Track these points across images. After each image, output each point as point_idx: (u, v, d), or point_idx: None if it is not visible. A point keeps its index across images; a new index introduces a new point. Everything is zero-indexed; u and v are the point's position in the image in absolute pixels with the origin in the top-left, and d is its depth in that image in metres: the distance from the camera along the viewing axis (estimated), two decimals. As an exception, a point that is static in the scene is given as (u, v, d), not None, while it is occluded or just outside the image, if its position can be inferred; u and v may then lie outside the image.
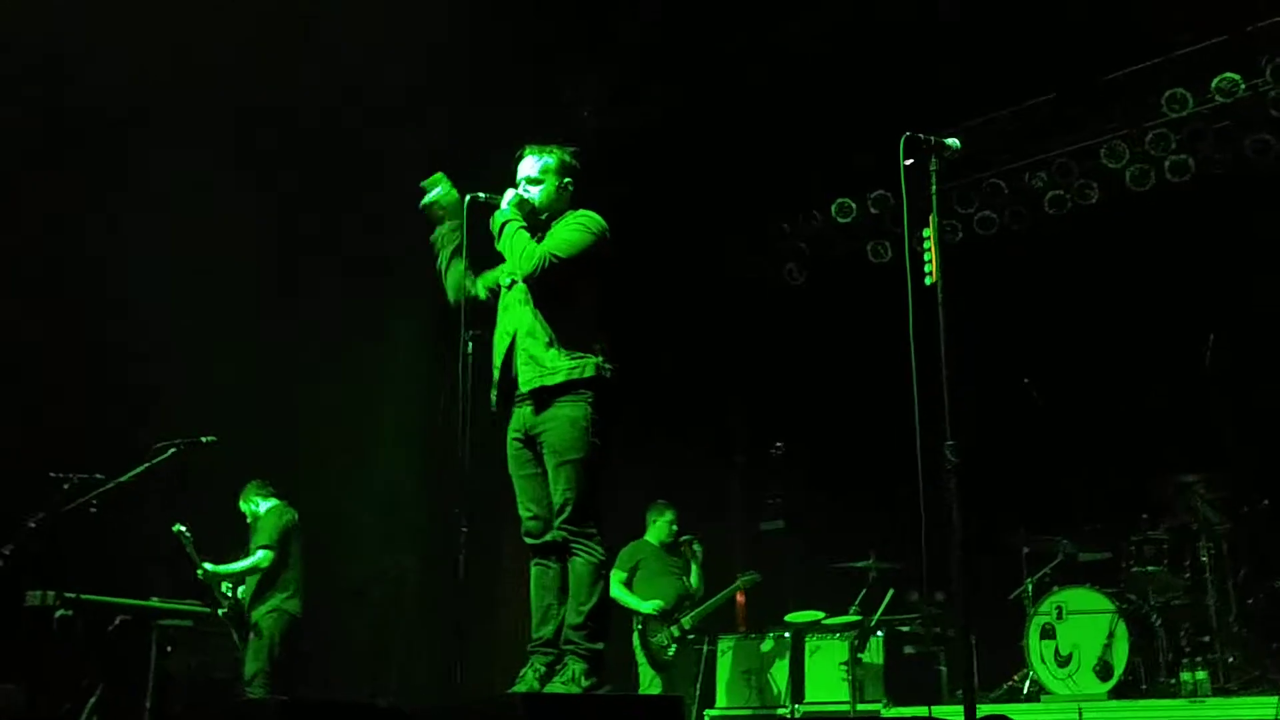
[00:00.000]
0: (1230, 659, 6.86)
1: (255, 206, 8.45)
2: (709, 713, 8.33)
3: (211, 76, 8.02)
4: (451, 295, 4.95)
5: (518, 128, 8.34)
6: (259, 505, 7.67)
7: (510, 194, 4.78)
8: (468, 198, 4.77)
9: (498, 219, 4.74)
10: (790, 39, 8.44)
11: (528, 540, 4.76)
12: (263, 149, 8.52)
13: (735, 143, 9.11)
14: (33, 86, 7.69)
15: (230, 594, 7.41)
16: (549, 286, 4.61)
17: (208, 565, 7.23)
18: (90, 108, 7.84)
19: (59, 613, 6.76)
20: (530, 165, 4.83)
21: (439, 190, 4.86)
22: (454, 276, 4.92)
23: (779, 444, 9.68)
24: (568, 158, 4.86)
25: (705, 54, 8.69)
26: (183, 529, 7.08)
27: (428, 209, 4.90)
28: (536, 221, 4.77)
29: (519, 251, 4.61)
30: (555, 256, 4.57)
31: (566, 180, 4.84)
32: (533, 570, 4.76)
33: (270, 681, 7.06)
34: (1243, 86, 8.02)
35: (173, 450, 6.78)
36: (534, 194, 4.79)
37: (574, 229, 4.68)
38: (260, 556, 7.34)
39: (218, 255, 8.16)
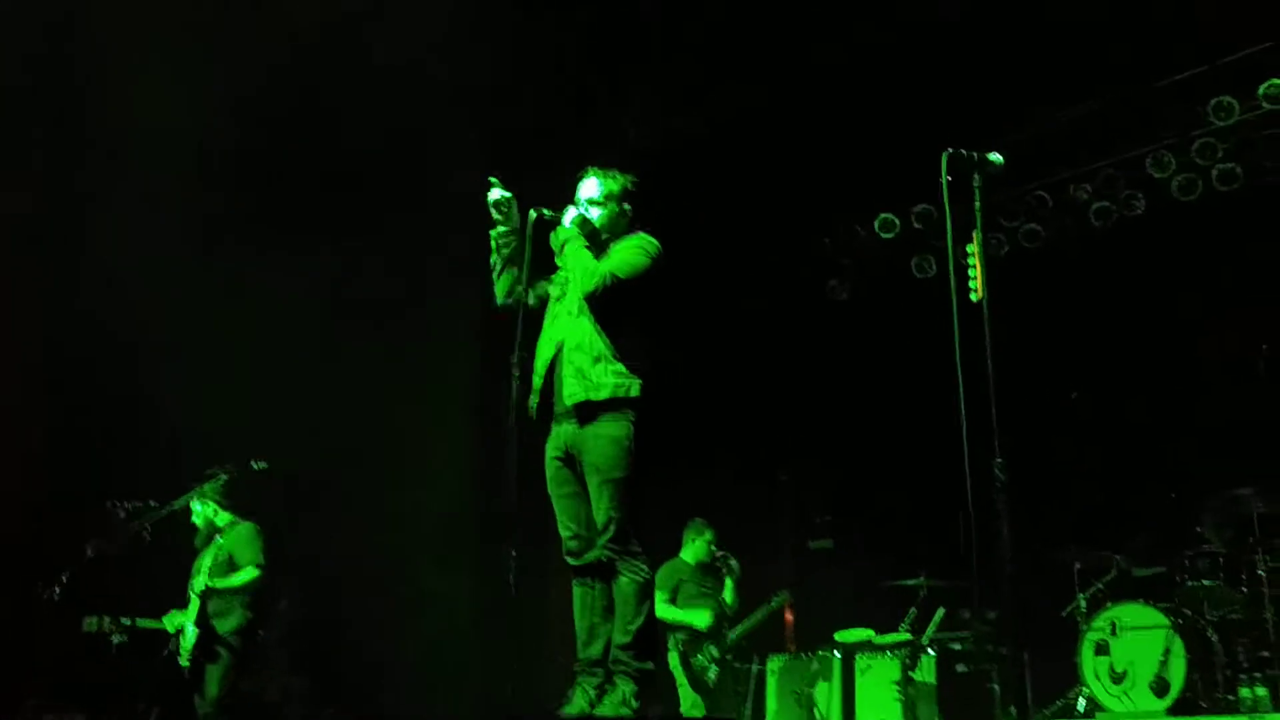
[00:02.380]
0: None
1: (298, 227, 8.55)
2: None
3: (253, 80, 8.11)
4: (500, 299, 5.00)
5: (562, 142, 8.56)
6: (219, 516, 7.13)
7: (572, 213, 4.89)
8: (531, 214, 4.86)
9: (560, 235, 4.84)
10: (833, 54, 8.44)
11: (569, 560, 4.77)
12: (302, 161, 8.60)
13: (777, 158, 9.11)
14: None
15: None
16: (605, 304, 4.67)
17: (209, 581, 6.80)
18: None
19: (115, 638, 6.86)
20: (593, 187, 4.94)
21: (497, 194, 4.91)
22: (505, 281, 4.97)
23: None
24: (629, 183, 4.99)
25: (747, 70, 8.71)
26: None
27: (493, 207, 4.94)
28: (597, 241, 4.84)
29: (581, 268, 4.70)
30: (615, 277, 4.66)
31: (626, 206, 4.97)
32: (575, 591, 4.77)
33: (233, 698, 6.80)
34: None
35: (223, 475, 6.87)
36: (595, 215, 4.91)
37: (635, 251, 4.77)
38: (254, 573, 6.92)
39: (259, 280, 8.24)
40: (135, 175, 8.05)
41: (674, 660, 7.90)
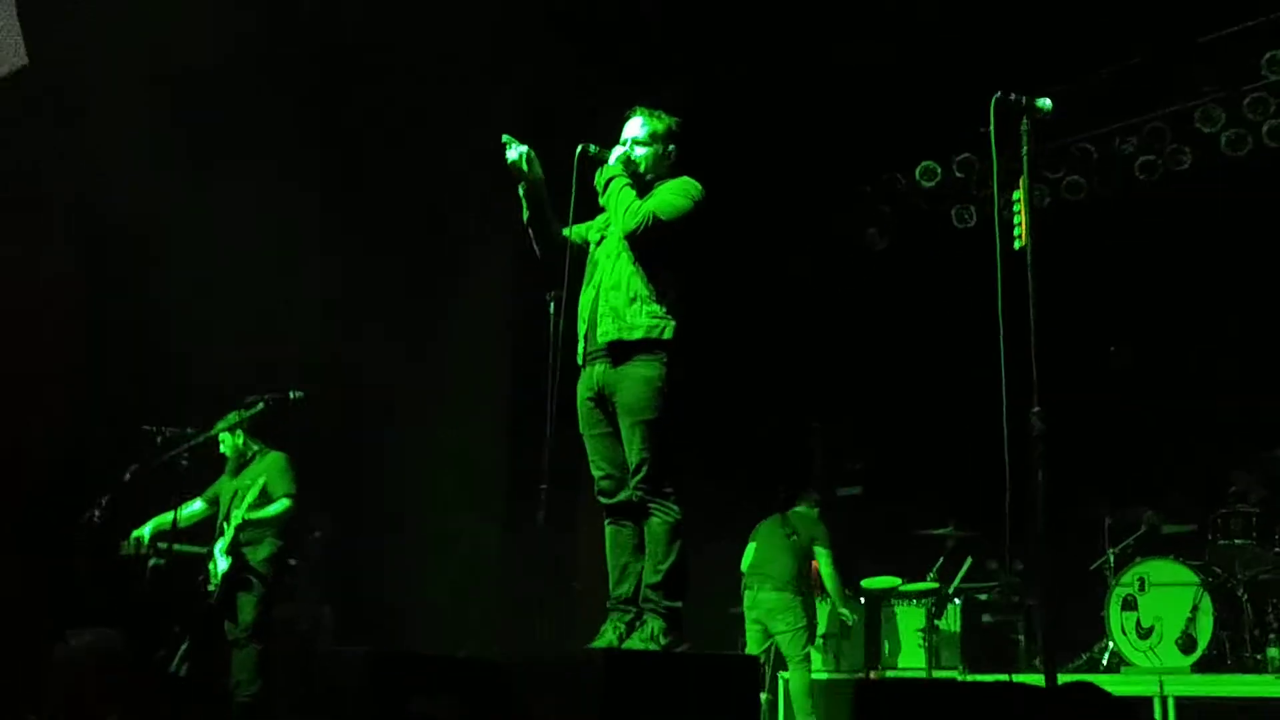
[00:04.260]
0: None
1: (330, 165, 8.57)
2: (784, 674, 8.36)
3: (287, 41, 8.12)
4: (540, 250, 4.99)
5: (604, 93, 8.52)
6: (251, 445, 7.14)
7: (618, 151, 4.86)
8: (578, 148, 4.83)
9: (605, 174, 4.82)
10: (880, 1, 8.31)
11: (602, 500, 4.80)
12: (336, 114, 8.61)
13: (819, 105, 9.01)
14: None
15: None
16: (646, 246, 4.66)
17: (242, 511, 6.80)
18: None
19: (152, 561, 6.96)
20: (638, 127, 4.90)
21: (514, 152, 4.87)
22: (542, 233, 4.95)
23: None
24: (674, 125, 4.94)
25: (790, 18, 8.59)
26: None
27: (512, 167, 4.92)
28: (641, 182, 4.82)
29: (624, 207, 4.68)
30: (657, 218, 4.63)
31: (671, 147, 4.92)
32: (608, 530, 4.80)
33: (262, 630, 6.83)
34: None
35: (261, 404, 6.90)
36: (640, 154, 4.86)
37: (679, 194, 4.73)
38: (287, 504, 6.92)
39: (293, 216, 8.27)
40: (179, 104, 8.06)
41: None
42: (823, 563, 8.19)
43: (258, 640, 6.72)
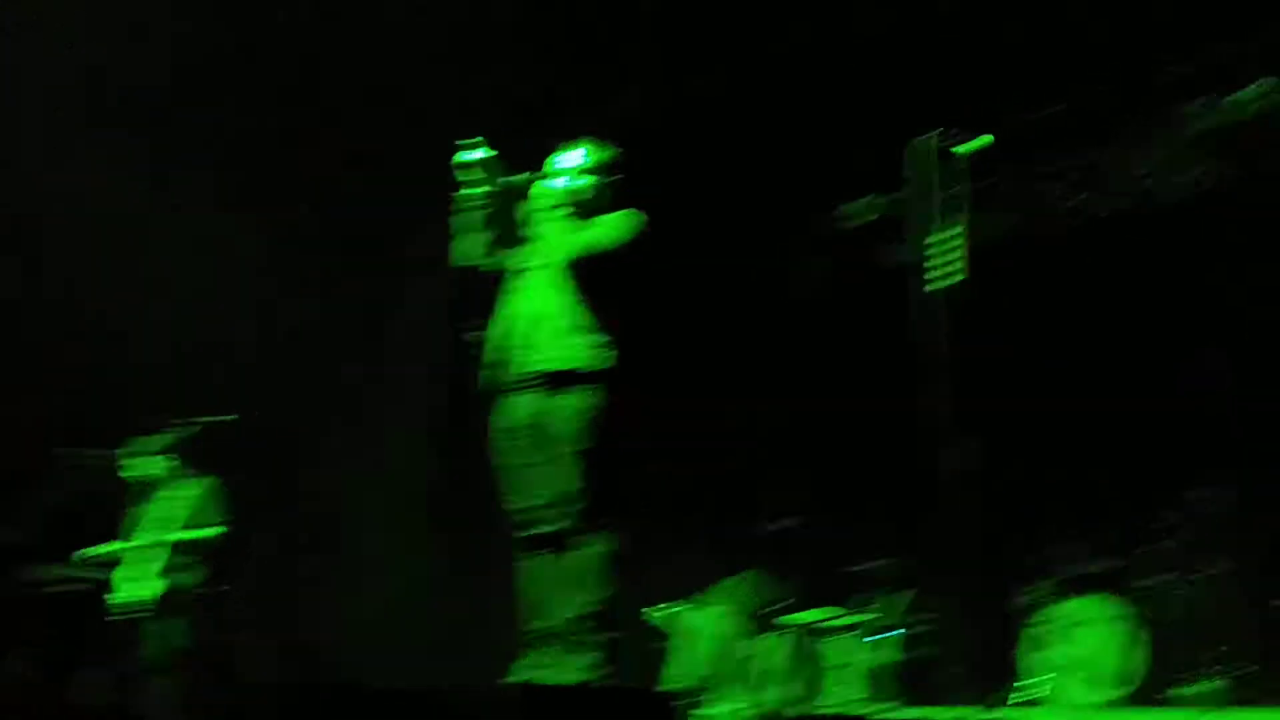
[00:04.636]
0: (1243, 671, 6.80)
1: (268, 184, 8.48)
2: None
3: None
4: (472, 260, 4.95)
5: (542, 122, 8.52)
6: (178, 469, 7.03)
7: (560, 180, 4.84)
8: (514, 178, 4.80)
9: (540, 202, 4.79)
10: (814, 36, 8.40)
11: (526, 530, 4.77)
12: (278, 125, 8.53)
13: (752, 141, 9.07)
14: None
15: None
16: (580, 275, 4.65)
17: (164, 536, 6.76)
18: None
19: (69, 588, 6.82)
20: (579, 157, 4.94)
21: (479, 154, 4.84)
22: (478, 243, 4.91)
23: None
24: (614, 156, 5.01)
25: (728, 51, 8.67)
26: None
27: (462, 169, 4.86)
28: (578, 211, 4.81)
29: (561, 236, 4.66)
30: (594, 248, 4.61)
31: (610, 178, 4.97)
32: (531, 561, 4.77)
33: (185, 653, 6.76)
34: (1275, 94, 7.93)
35: (189, 429, 6.81)
36: (580, 184, 4.85)
37: (616, 226, 4.77)
38: (212, 530, 6.84)
39: (224, 233, 8.19)
40: (92, 115, 7.93)
41: None
42: None
43: (177, 668, 6.59)
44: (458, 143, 4.87)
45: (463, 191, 4.88)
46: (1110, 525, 7.71)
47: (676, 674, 8.08)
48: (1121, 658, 6.96)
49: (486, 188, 4.85)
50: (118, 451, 6.82)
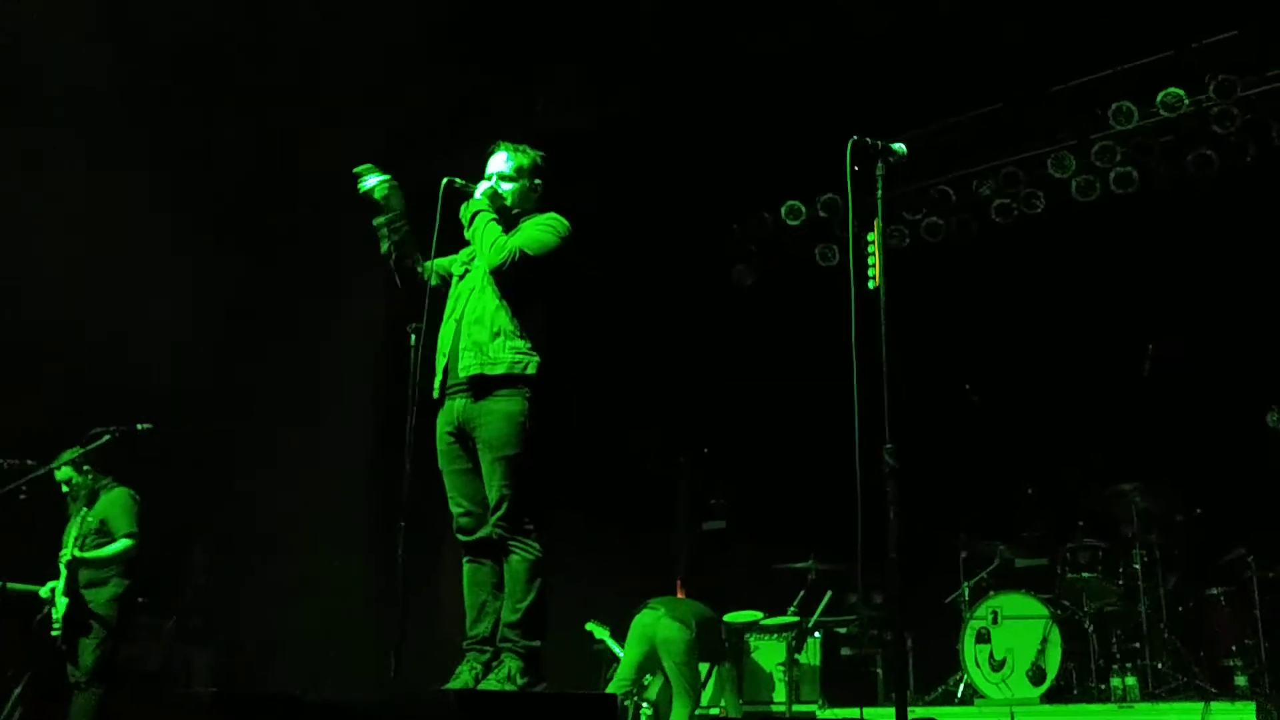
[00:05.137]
0: (1160, 665, 6.97)
1: (205, 194, 8.38)
2: (645, 711, 8.30)
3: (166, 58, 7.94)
4: (400, 282, 4.93)
5: (471, 126, 8.49)
6: (95, 480, 6.80)
7: (484, 185, 4.84)
8: (444, 180, 4.80)
9: (470, 208, 4.79)
10: (747, 43, 8.45)
11: (460, 537, 4.73)
12: (212, 138, 8.43)
13: (686, 144, 9.10)
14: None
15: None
16: (510, 280, 4.63)
17: (76, 551, 6.55)
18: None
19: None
20: (503, 161, 4.89)
21: (371, 181, 4.82)
22: (401, 265, 4.89)
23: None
24: (540, 160, 4.94)
25: (660, 56, 8.68)
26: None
27: (367, 195, 4.85)
28: (506, 216, 4.80)
29: (489, 242, 4.65)
30: (523, 253, 4.61)
31: (537, 181, 4.93)
32: (466, 568, 4.73)
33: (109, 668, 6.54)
34: (1187, 102, 8.14)
35: (107, 437, 6.64)
36: (506, 189, 4.85)
37: (544, 229, 4.73)
38: (127, 543, 6.65)
39: (165, 240, 8.06)
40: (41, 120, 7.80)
41: None
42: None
43: (98, 684, 6.43)
44: (354, 170, 4.83)
45: (375, 220, 4.84)
46: (1038, 523, 7.85)
47: (616, 679, 7.99)
48: (1046, 652, 7.08)
49: (394, 210, 4.80)
50: (32, 462, 6.63)
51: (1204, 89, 8.08)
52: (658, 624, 7.73)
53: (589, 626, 8.45)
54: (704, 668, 7.95)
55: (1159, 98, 8.20)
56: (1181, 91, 8.14)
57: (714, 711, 8.25)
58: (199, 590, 8.73)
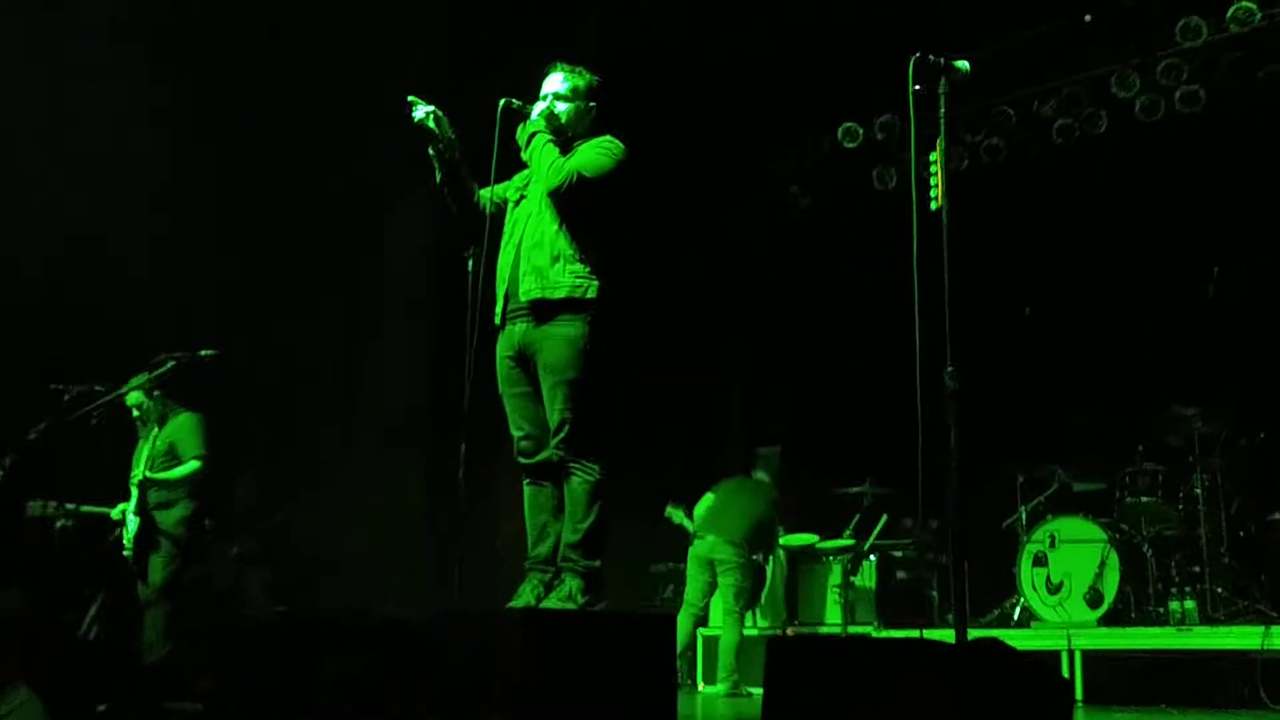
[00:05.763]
0: (1219, 590, 6.93)
1: (245, 132, 8.41)
2: (702, 631, 8.43)
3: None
4: (456, 209, 4.93)
5: (512, 51, 8.42)
6: (163, 404, 6.92)
7: (540, 106, 4.78)
8: (500, 102, 4.75)
9: (527, 129, 4.74)
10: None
11: (521, 460, 4.76)
12: (244, 78, 8.45)
13: (745, 65, 8.98)
14: None
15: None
16: (567, 203, 4.60)
17: (147, 472, 6.68)
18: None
19: (60, 523, 6.80)
20: (559, 82, 4.83)
21: (420, 111, 4.79)
22: (457, 192, 4.89)
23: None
24: (595, 82, 4.88)
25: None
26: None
27: (419, 126, 4.83)
28: (563, 137, 4.75)
29: (547, 164, 4.62)
30: (581, 175, 4.57)
31: (592, 104, 4.86)
32: (526, 490, 4.77)
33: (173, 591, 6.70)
34: (1259, 15, 7.90)
35: (172, 363, 6.74)
36: (562, 109, 4.79)
37: (601, 152, 4.67)
38: (196, 465, 6.75)
39: (211, 174, 8.12)
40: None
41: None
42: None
43: (168, 601, 6.61)
44: (408, 99, 4.80)
45: (429, 150, 4.82)
46: (1097, 447, 7.79)
47: (686, 604, 8.19)
48: (1104, 575, 7.06)
49: (442, 140, 4.78)
50: (100, 388, 6.75)
51: (1277, 2, 7.84)
52: (714, 550, 7.96)
53: (668, 512, 8.56)
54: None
55: (1230, 12, 7.96)
56: (1254, 4, 7.89)
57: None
58: (251, 512, 8.88)
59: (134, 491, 6.64)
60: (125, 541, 6.65)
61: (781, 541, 8.81)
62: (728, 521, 8.11)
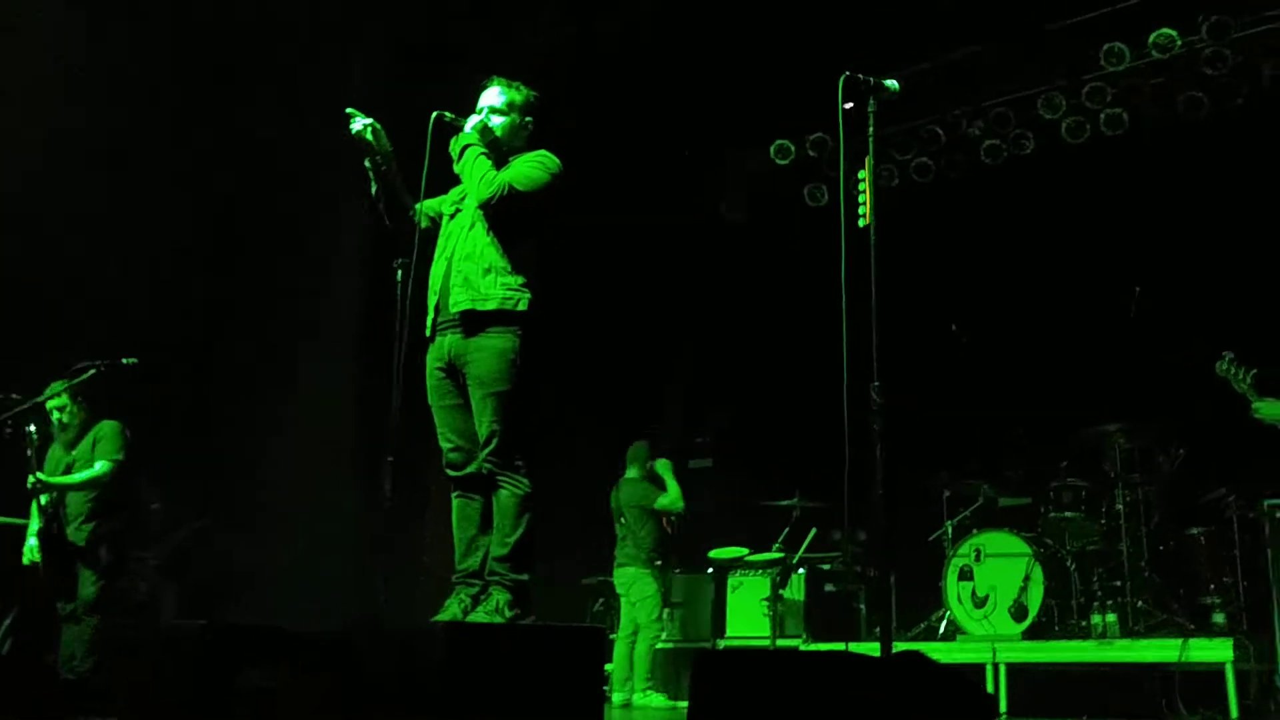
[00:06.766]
0: (1139, 603, 7.05)
1: (187, 132, 8.29)
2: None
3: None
4: (389, 221, 4.90)
5: (457, 56, 8.40)
6: (81, 412, 6.75)
7: (474, 119, 4.79)
8: (434, 115, 4.75)
9: (460, 141, 4.75)
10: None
11: (450, 472, 4.74)
12: (189, 72, 8.34)
13: (675, 80, 9.01)
14: None
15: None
16: (498, 216, 4.60)
17: (39, 474, 6.49)
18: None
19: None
20: (495, 96, 4.85)
21: (358, 124, 4.76)
22: (390, 205, 4.86)
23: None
24: (532, 97, 4.90)
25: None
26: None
27: (357, 138, 4.80)
28: (497, 151, 4.76)
29: (479, 176, 4.62)
30: (513, 188, 4.59)
31: (528, 119, 4.89)
32: (455, 502, 4.75)
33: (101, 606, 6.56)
34: (1179, 43, 8.09)
35: (92, 371, 6.60)
36: (497, 123, 4.80)
37: (534, 166, 4.69)
38: (107, 467, 6.58)
39: (145, 176, 7.98)
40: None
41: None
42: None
43: (94, 615, 6.46)
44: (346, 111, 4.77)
45: (365, 161, 4.79)
46: (1022, 463, 7.90)
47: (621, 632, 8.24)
48: (1028, 589, 7.16)
49: (380, 151, 4.75)
50: (16, 396, 6.59)
51: (1196, 30, 8.03)
52: (633, 583, 8.23)
53: (659, 466, 8.58)
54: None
55: (1151, 38, 8.14)
56: (1174, 32, 8.08)
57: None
58: (162, 522, 8.72)
59: (44, 500, 6.46)
60: (28, 551, 6.48)
61: (711, 555, 8.84)
62: (627, 544, 8.31)
